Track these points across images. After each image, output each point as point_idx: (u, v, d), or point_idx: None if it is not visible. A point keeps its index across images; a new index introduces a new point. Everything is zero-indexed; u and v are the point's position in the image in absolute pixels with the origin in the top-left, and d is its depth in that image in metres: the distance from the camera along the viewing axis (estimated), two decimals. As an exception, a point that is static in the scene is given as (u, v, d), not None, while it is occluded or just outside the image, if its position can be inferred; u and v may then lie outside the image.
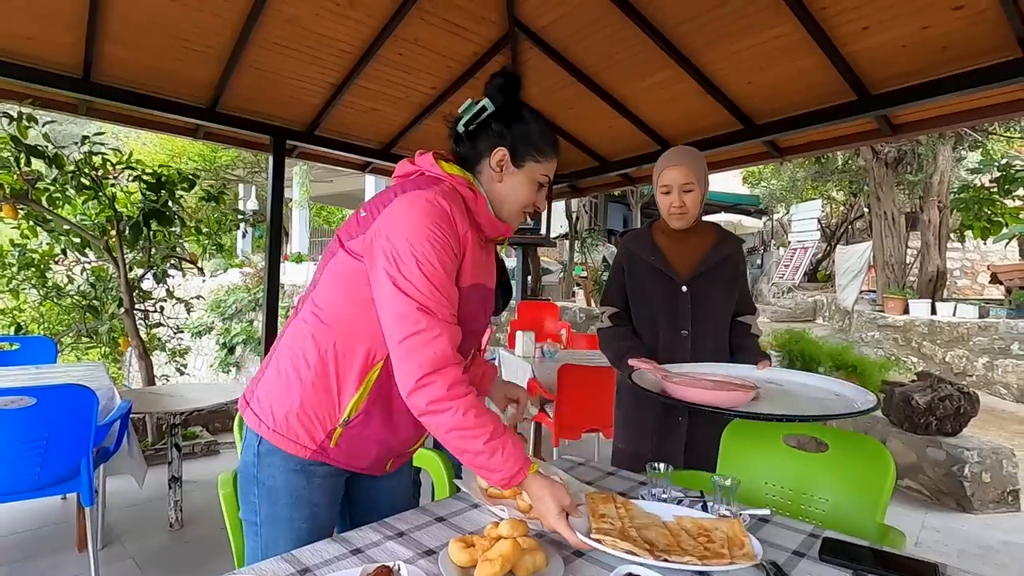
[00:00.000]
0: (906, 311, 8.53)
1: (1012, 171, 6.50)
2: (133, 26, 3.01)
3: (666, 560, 0.96)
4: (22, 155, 3.47)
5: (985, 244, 10.52)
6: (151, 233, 4.08)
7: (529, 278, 7.80)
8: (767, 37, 2.92)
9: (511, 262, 8.53)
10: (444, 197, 1.10)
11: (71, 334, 4.71)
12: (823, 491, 1.52)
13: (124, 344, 4.56)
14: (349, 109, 4.08)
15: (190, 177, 4.27)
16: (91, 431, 2.16)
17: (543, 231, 6.09)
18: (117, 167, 3.97)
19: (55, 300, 4.50)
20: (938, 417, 3.82)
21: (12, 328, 4.46)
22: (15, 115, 3.38)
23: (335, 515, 1.24)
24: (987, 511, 3.56)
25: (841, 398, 1.49)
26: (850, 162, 11.19)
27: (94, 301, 4.51)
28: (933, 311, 8.22)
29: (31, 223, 3.95)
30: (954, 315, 7.92)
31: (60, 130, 3.67)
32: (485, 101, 1.18)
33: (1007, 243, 8.07)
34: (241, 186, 15.50)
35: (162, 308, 4.67)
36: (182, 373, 5.29)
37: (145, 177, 3.99)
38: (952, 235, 8.83)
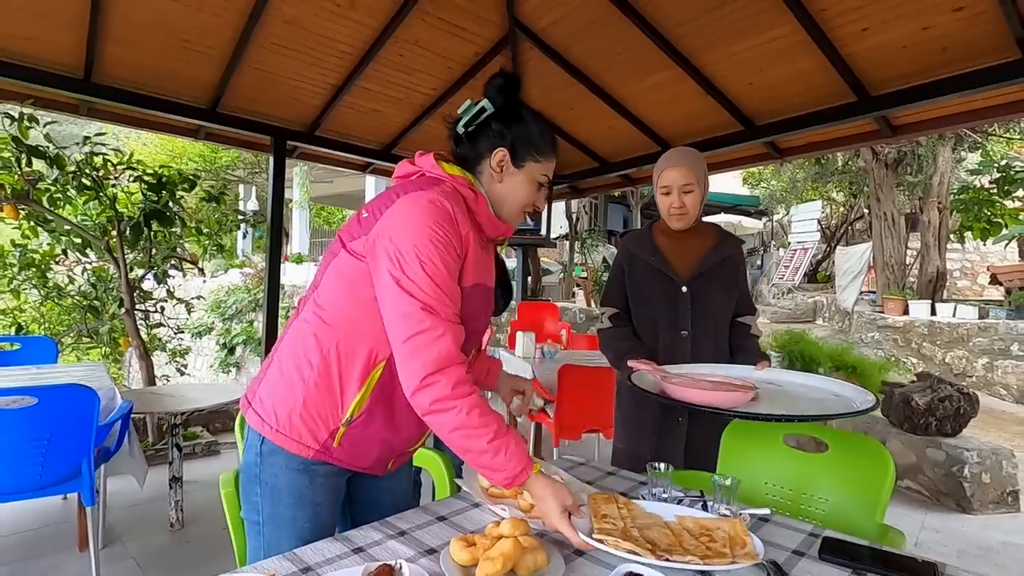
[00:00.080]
0: (906, 312, 8.53)
1: (1012, 172, 6.51)
2: (134, 27, 3.01)
3: (668, 560, 0.96)
4: (23, 155, 3.47)
5: (985, 245, 10.53)
6: (152, 233, 4.09)
7: (529, 279, 7.80)
8: (767, 38, 2.93)
9: (511, 263, 8.53)
10: (446, 198, 1.11)
11: (72, 334, 4.72)
12: (823, 491, 1.52)
13: (125, 344, 4.56)
14: (350, 110, 4.08)
15: (191, 178, 4.27)
16: (92, 431, 2.16)
17: (543, 232, 6.09)
18: (118, 167, 3.97)
19: (56, 300, 4.50)
20: (938, 418, 3.83)
21: (13, 328, 4.46)
22: (16, 116, 3.39)
23: (337, 514, 1.25)
24: (987, 512, 3.56)
25: (840, 398, 1.50)
26: (850, 163, 11.19)
27: (95, 301, 4.52)
28: (933, 312, 8.23)
29: (32, 223, 3.95)
30: (954, 316, 7.92)
31: (60, 130, 3.67)
32: (484, 102, 1.19)
33: (1007, 244, 8.09)
34: (241, 186, 15.50)
35: (163, 308, 4.67)
36: (182, 373, 5.30)
37: (146, 178, 4.00)
38: (952, 236, 8.83)
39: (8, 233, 4.14)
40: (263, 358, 4.30)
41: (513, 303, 6.42)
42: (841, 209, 14.30)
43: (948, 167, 8.80)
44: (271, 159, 4.17)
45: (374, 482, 1.31)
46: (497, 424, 1.04)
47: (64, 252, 4.21)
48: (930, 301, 8.41)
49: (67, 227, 4.01)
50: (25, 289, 4.38)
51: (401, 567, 0.91)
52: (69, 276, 4.59)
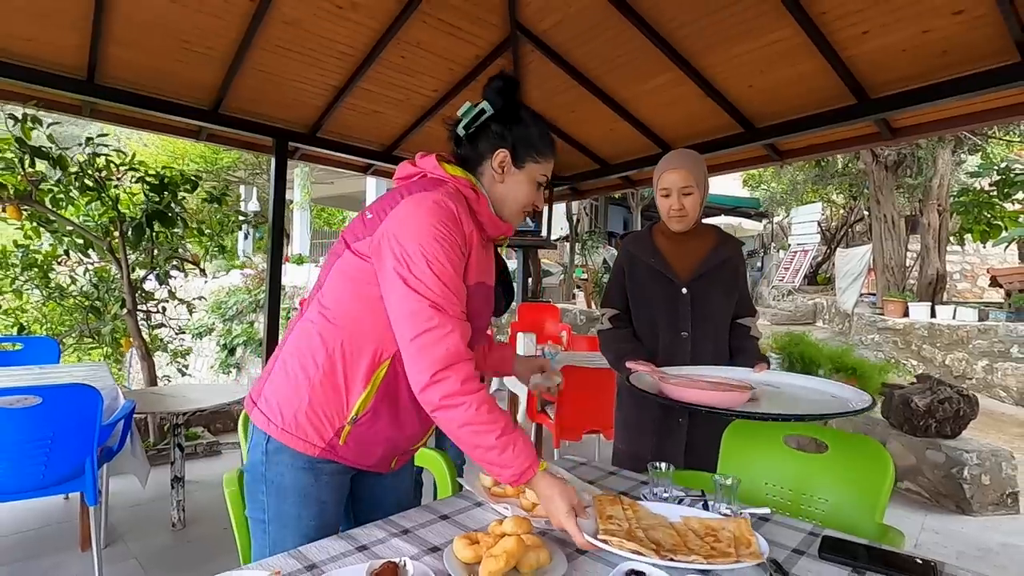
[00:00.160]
0: (906, 314, 8.54)
1: (1011, 175, 6.52)
2: (137, 28, 3.03)
3: (672, 560, 0.97)
4: (26, 156, 3.49)
5: (984, 247, 10.54)
6: (154, 234, 4.10)
7: (530, 280, 7.81)
8: (767, 41, 2.94)
9: (512, 264, 8.54)
10: (450, 198, 1.13)
11: (73, 335, 4.73)
12: (823, 491, 1.53)
13: (126, 345, 4.57)
14: (351, 111, 4.09)
15: (193, 178, 4.28)
16: (96, 431, 2.17)
17: (544, 233, 6.10)
18: (120, 168, 3.99)
19: (58, 301, 4.51)
20: (937, 419, 3.83)
21: (15, 328, 4.47)
22: (20, 116, 3.40)
23: (341, 513, 1.26)
24: (986, 513, 3.57)
25: (838, 399, 1.51)
26: (850, 165, 11.20)
27: (96, 302, 4.53)
28: (933, 314, 8.24)
29: (35, 224, 3.97)
30: (954, 318, 7.93)
31: (62, 131, 3.69)
32: (484, 104, 1.21)
33: (1006, 246, 8.11)
34: (242, 187, 15.52)
35: (164, 309, 4.68)
36: (183, 374, 5.31)
37: (148, 178, 4.01)
38: (952, 238, 8.84)
39: (11, 234, 4.15)
40: (264, 359, 4.33)
41: (514, 304, 6.42)
42: (841, 211, 14.30)
43: (948, 169, 8.81)
44: (272, 160, 4.18)
45: (378, 480, 1.32)
46: (505, 421, 1.06)
47: (66, 253, 4.22)
48: (930, 303, 8.42)
49: (69, 228, 4.02)
50: (27, 289, 4.39)
51: (405, 564, 0.92)
52: (71, 276, 4.60)
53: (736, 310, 2.00)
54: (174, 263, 4.54)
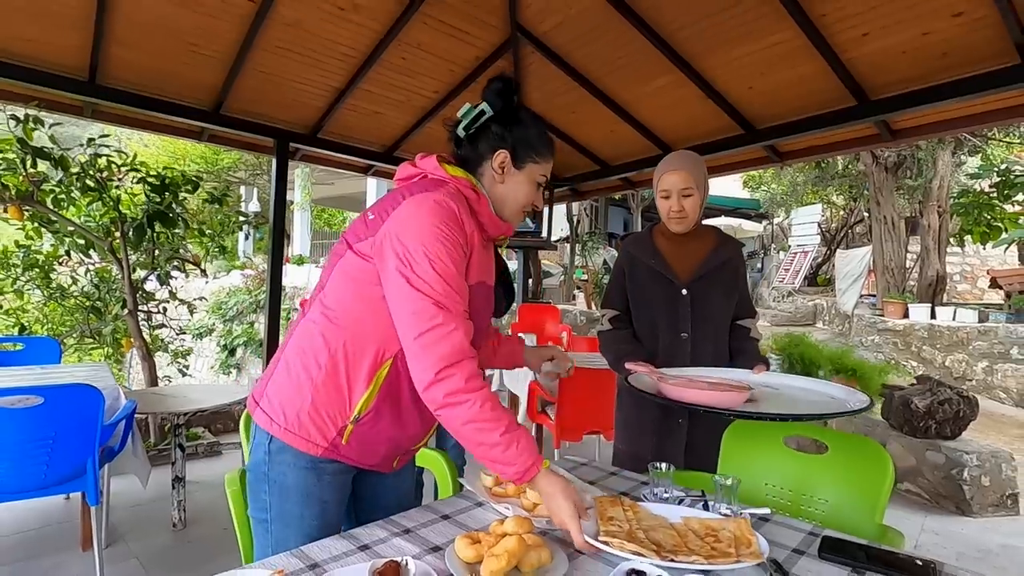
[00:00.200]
0: (906, 315, 8.54)
1: (1011, 176, 6.53)
2: (139, 29, 3.04)
3: (672, 560, 0.97)
4: (28, 157, 3.49)
5: (984, 249, 10.53)
6: (155, 235, 4.11)
7: (530, 281, 7.82)
8: (768, 43, 2.95)
9: (512, 265, 8.55)
10: (451, 198, 1.14)
11: (74, 335, 4.73)
12: (823, 492, 1.54)
13: (127, 345, 4.58)
14: (352, 112, 4.10)
15: (194, 179, 4.29)
16: (97, 431, 2.18)
17: (544, 234, 6.11)
18: (121, 169, 4.00)
19: (59, 301, 4.52)
20: (937, 421, 3.84)
21: (16, 328, 4.48)
22: (22, 117, 3.41)
23: (343, 512, 1.26)
24: (986, 515, 3.57)
25: (836, 401, 1.51)
26: (850, 167, 11.21)
27: (97, 302, 4.53)
28: (933, 315, 8.24)
29: (36, 224, 3.97)
30: (954, 319, 7.93)
31: (63, 132, 3.69)
32: (484, 105, 1.22)
33: (1006, 248, 8.10)
34: (243, 188, 15.53)
35: (165, 309, 4.69)
36: (184, 374, 5.31)
37: (149, 179, 4.02)
38: (952, 240, 8.85)
39: (12, 234, 4.16)
40: (264, 359, 4.33)
41: (514, 305, 6.43)
42: (841, 213, 14.30)
43: (948, 171, 8.81)
44: (274, 161, 4.19)
45: (380, 480, 1.32)
46: (508, 419, 1.06)
47: (67, 253, 4.22)
48: (930, 305, 8.42)
49: (71, 228, 4.03)
50: (29, 290, 4.40)
51: (407, 564, 0.92)
52: (72, 277, 4.61)
53: (736, 311, 2.01)
54: (175, 263, 4.55)
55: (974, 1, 2.37)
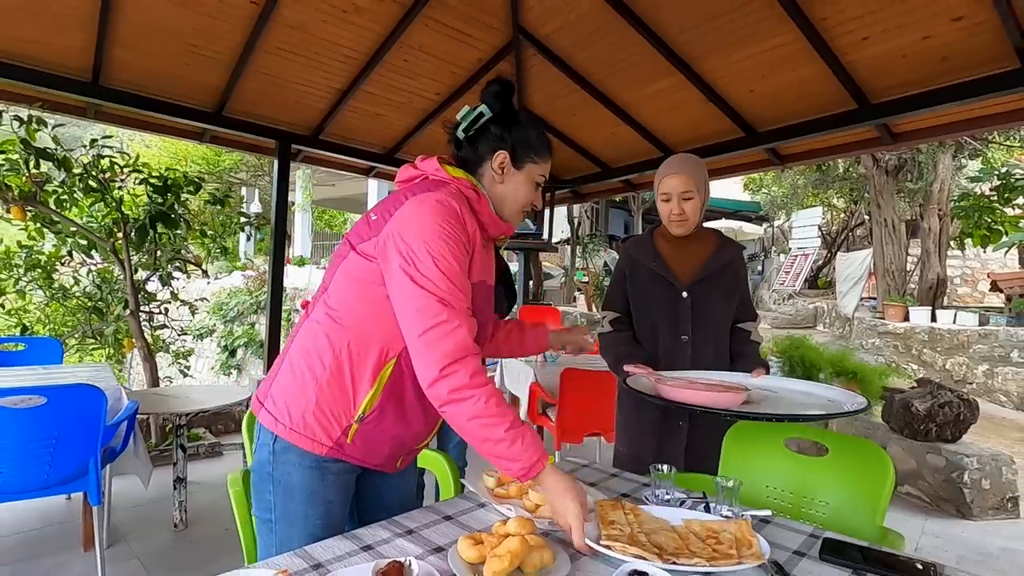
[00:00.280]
0: (906, 318, 8.54)
1: (1012, 180, 6.53)
2: (142, 31, 3.05)
3: (674, 563, 0.97)
4: (31, 157, 3.51)
5: (985, 252, 10.53)
6: (157, 236, 4.12)
7: (531, 283, 7.82)
8: (768, 46, 2.96)
9: (513, 266, 8.55)
10: (452, 198, 1.16)
11: (76, 335, 4.74)
12: (823, 494, 1.54)
13: (128, 346, 4.59)
14: (354, 114, 4.11)
15: (196, 180, 4.30)
16: (100, 431, 2.18)
17: (545, 236, 6.11)
18: (124, 170, 4.01)
19: (61, 301, 4.53)
20: (938, 424, 3.84)
21: (18, 329, 4.49)
22: (25, 118, 3.42)
23: (347, 512, 1.27)
24: (986, 518, 3.57)
25: (834, 403, 1.51)
26: (851, 170, 11.21)
27: (99, 303, 4.54)
28: (933, 318, 8.23)
29: (38, 225, 3.98)
30: (954, 323, 7.92)
31: (64, 132, 3.70)
32: (483, 107, 1.24)
33: (1007, 251, 8.09)
34: (244, 189, 15.55)
35: (166, 310, 4.69)
36: (185, 375, 5.32)
37: (152, 180, 4.03)
38: (952, 243, 8.84)
39: (15, 234, 4.17)
40: (265, 360, 4.34)
41: (515, 307, 6.43)
42: (842, 215, 14.30)
43: (948, 174, 8.82)
44: (275, 163, 4.20)
45: (383, 479, 1.33)
46: (513, 415, 1.07)
47: (70, 253, 4.24)
48: (930, 307, 8.42)
49: (73, 229, 4.04)
50: (31, 290, 4.41)
51: (410, 564, 0.93)
52: (74, 277, 4.62)
53: (737, 314, 2.01)
54: (177, 264, 4.56)
55: (974, 6, 2.38)
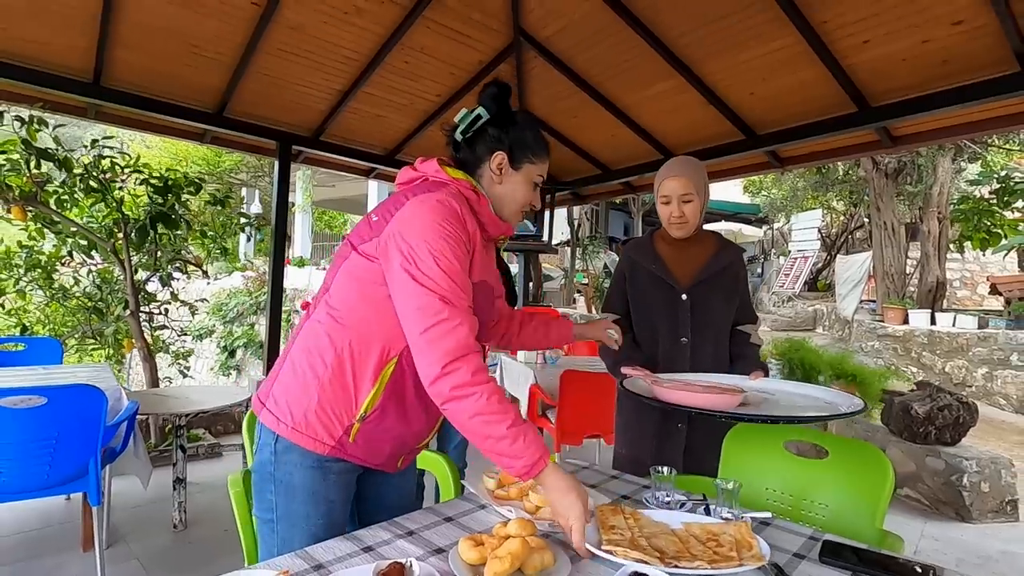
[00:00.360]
0: (906, 321, 8.54)
1: (1011, 183, 6.54)
2: (144, 32, 3.05)
3: (676, 567, 0.97)
4: (32, 158, 3.51)
5: (984, 255, 10.54)
6: (157, 236, 4.12)
7: (531, 284, 7.83)
8: (769, 49, 2.97)
9: (513, 268, 8.56)
10: (453, 198, 1.17)
11: (76, 335, 4.74)
12: (823, 497, 1.54)
13: (128, 346, 4.59)
14: (355, 115, 4.12)
15: (196, 181, 4.30)
16: (100, 431, 2.18)
17: (545, 237, 6.12)
18: (125, 170, 4.01)
19: (61, 301, 4.53)
20: (937, 427, 3.84)
21: (18, 329, 4.49)
22: (26, 118, 3.42)
23: (348, 512, 1.27)
24: (986, 521, 3.58)
25: (831, 405, 1.51)
26: (850, 172, 11.23)
27: (99, 303, 4.54)
28: (933, 321, 8.24)
29: (39, 225, 3.98)
30: (953, 326, 7.93)
31: (64, 133, 3.70)
32: (480, 110, 1.25)
33: (1006, 254, 8.10)
34: (244, 190, 15.56)
35: (166, 311, 4.70)
36: (184, 375, 5.32)
37: (152, 181, 4.03)
38: (951, 246, 8.85)
39: (15, 234, 4.17)
40: (265, 360, 4.34)
41: (515, 308, 6.42)
42: (841, 218, 14.33)
43: (948, 177, 8.83)
44: (276, 163, 4.21)
45: (384, 480, 1.33)
46: (515, 412, 1.07)
47: (70, 254, 4.24)
48: (930, 310, 8.43)
49: (73, 229, 4.04)
50: (31, 290, 4.41)
51: (411, 565, 0.93)
52: (74, 277, 4.62)
53: (737, 316, 2.01)
54: (177, 265, 4.56)
55: (974, 10, 2.39)
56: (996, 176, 6.87)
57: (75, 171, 3.76)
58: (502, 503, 1.27)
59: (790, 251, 14.01)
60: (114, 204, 3.93)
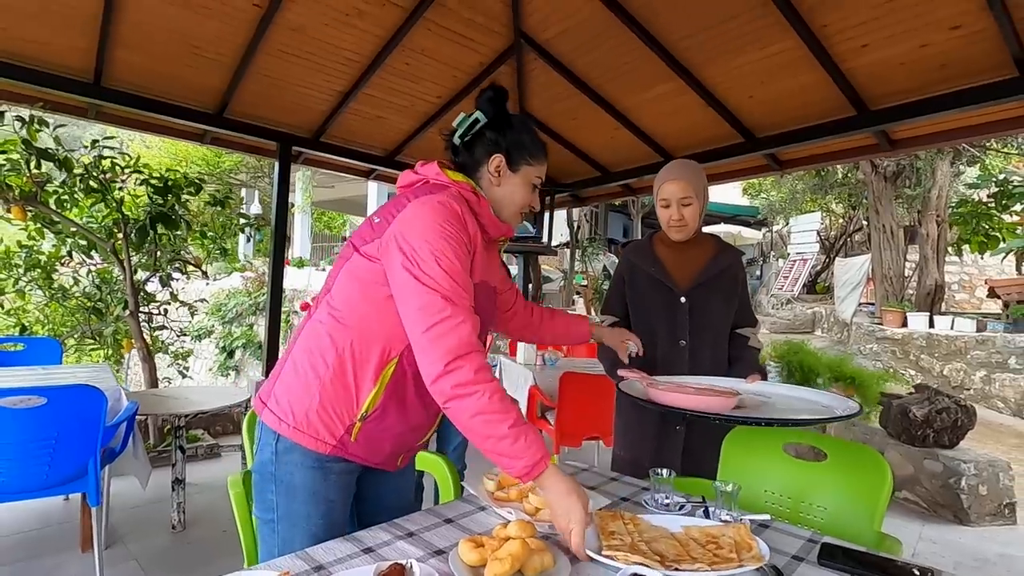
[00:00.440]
0: (904, 324, 8.56)
1: (1009, 186, 6.56)
2: (145, 32, 3.05)
3: (677, 570, 0.97)
4: (32, 158, 3.51)
5: (983, 258, 10.57)
6: (157, 236, 4.12)
7: (530, 286, 7.83)
8: (768, 52, 2.97)
9: (513, 269, 8.56)
10: (453, 200, 1.18)
11: (75, 336, 4.74)
12: (821, 499, 1.55)
13: (127, 346, 4.59)
14: (355, 117, 4.12)
15: (196, 181, 4.30)
16: (99, 432, 2.19)
17: (544, 239, 6.12)
18: (125, 170, 4.01)
19: (60, 302, 4.53)
20: (935, 430, 3.85)
21: (17, 329, 4.48)
22: (26, 118, 3.43)
23: (348, 512, 1.28)
24: (983, 523, 3.58)
25: (826, 409, 1.52)
26: (849, 175, 11.26)
27: (99, 303, 4.54)
28: (931, 324, 8.26)
29: (39, 225, 3.98)
30: (952, 328, 7.95)
31: (65, 133, 3.70)
32: (478, 114, 1.27)
33: (1004, 258, 8.13)
34: (244, 191, 15.55)
35: (166, 311, 4.70)
36: (184, 376, 5.32)
37: (152, 181, 4.03)
38: (950, 249, 8.87)
39: (15, 234, 4.17)
40: (265, 361, 4.34)
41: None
42: (840, 221, 14.35)
43: (946, 181, 8.85)
44: (276, 164, 4.21)
45: (383, 479, 1.34)
46: (516, 411, 1.07)
47: (69, 254, 4.24)
48: (928, 313, 8.44)
49: (73, 229, 4.04)
50: (30, 290, 4.41)
51: (412, 566, 0.93)
52: (74, 278, 4.62)
53: (736, 319, 2.01)
54: (176, 265, 4.56)
55: (972, 15, 2.40)
56: (994, 180, 6.89)
57: (75, 171, 3.76)
58: (502, 505, 1.27)
59: (789, 254, 14.04)
60: (114, 204, 3.93)
